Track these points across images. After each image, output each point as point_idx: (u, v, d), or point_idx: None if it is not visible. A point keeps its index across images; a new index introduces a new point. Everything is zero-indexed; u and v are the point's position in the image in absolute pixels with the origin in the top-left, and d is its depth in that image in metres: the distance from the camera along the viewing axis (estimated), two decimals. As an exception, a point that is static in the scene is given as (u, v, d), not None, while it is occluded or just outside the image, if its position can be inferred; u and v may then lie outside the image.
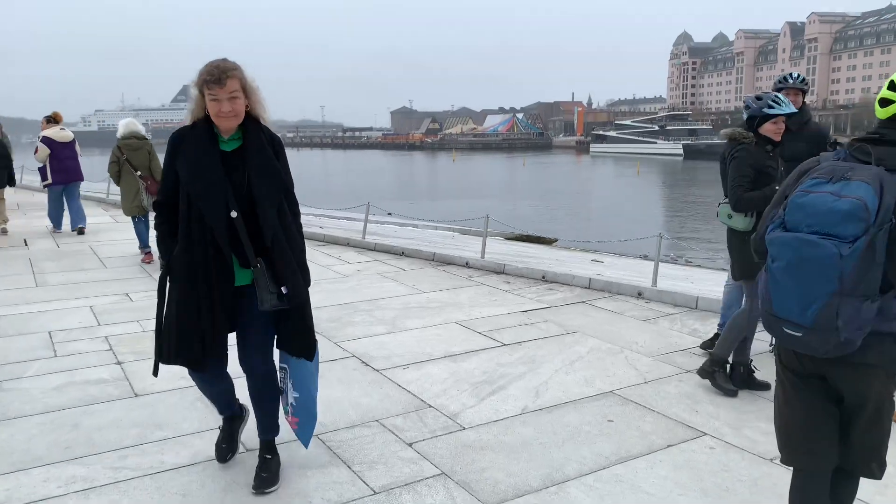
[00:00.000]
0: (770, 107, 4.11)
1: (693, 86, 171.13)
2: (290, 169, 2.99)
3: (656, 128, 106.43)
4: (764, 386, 4.26)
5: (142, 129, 8.39)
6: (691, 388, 4.30)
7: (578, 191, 44.31)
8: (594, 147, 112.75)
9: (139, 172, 8.02)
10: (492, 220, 8.66)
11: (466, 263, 8.05)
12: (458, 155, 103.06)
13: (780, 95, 4.19)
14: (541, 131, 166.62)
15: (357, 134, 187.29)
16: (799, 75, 5.02)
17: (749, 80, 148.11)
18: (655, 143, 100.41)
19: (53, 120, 10.47)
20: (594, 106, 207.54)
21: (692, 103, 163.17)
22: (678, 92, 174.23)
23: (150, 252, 8.14)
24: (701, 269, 10.82)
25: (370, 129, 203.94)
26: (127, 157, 8.06)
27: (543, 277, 7.31)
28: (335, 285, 6.94)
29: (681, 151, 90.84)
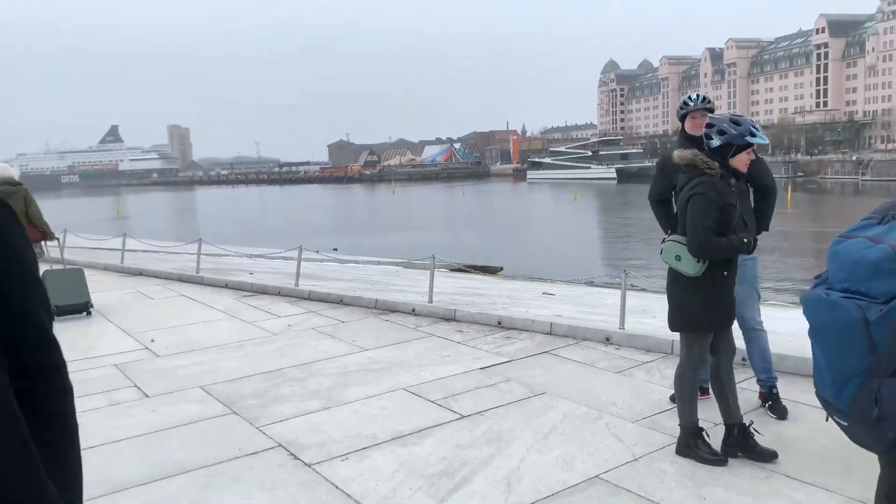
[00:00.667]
0: (752, 134, 3.51)
1: (622, 111, 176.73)
2: (23, 268, 1.09)
3: (589, 153, 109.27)
4: (770, 456, 3.56)
5: (15, 174, 7.69)
6: (690, 465, 3.59)
7: (519, 217, 44.32)
8: (531, 174, 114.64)
9: None
10: (436, 254, 7.92)
11: (413, 310, 7.24)
12: (397, 186, 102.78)
13: (753, 122, 3.70)
14: (478, 160, 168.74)
15: (294, 168, 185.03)
16: (699, 95, 4.37)
17: (675, 104, 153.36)
18: (589, 167, 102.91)
19: None
20: (528, 134, 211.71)
21: (622, 128, 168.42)
22: (608, 118, 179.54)
23: None
24: (648, 294, 10.37)
25: (307, 163, 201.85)
26: None
27: (499, 323, 6.56)
28: (261, 347, 5.98)
29: (614, 175, 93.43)
